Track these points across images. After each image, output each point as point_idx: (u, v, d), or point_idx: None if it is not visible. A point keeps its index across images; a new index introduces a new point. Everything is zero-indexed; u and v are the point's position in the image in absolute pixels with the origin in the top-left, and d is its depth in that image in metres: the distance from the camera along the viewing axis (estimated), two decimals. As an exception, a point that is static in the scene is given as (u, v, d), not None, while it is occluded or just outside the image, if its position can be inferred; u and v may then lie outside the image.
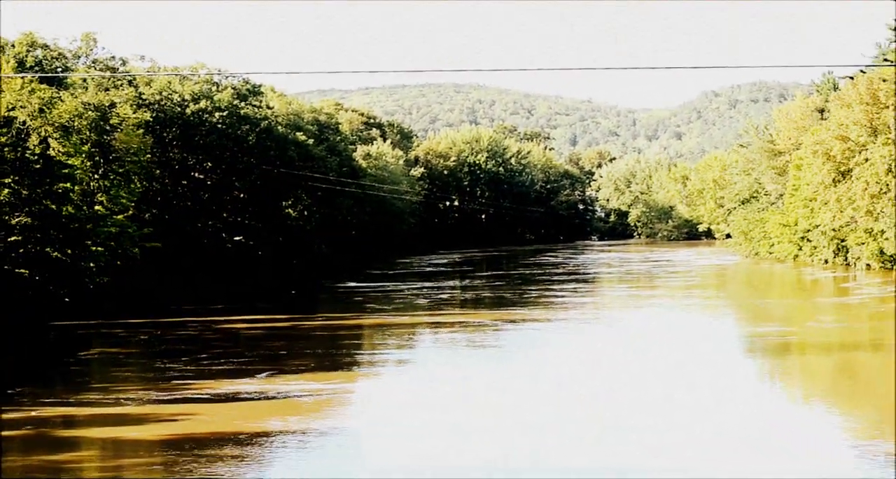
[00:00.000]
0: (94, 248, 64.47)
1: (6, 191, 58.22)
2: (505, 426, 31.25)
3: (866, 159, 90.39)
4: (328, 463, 27.39)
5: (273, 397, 35.79)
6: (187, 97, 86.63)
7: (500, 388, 38.28)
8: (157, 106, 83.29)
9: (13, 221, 58.22)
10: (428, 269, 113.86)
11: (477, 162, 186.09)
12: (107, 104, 70.31)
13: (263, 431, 30.52)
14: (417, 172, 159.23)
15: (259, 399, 35.54)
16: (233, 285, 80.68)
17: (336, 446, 29.19)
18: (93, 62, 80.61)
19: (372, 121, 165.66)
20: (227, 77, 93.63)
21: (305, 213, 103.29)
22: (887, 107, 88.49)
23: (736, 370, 42.68)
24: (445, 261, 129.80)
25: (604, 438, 29.73)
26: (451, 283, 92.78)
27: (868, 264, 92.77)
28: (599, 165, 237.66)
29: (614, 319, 62.95)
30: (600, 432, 30.45)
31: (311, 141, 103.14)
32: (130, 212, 70.39)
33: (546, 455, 27.99)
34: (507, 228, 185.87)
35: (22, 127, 61.01)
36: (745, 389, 38.15)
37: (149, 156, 72.58)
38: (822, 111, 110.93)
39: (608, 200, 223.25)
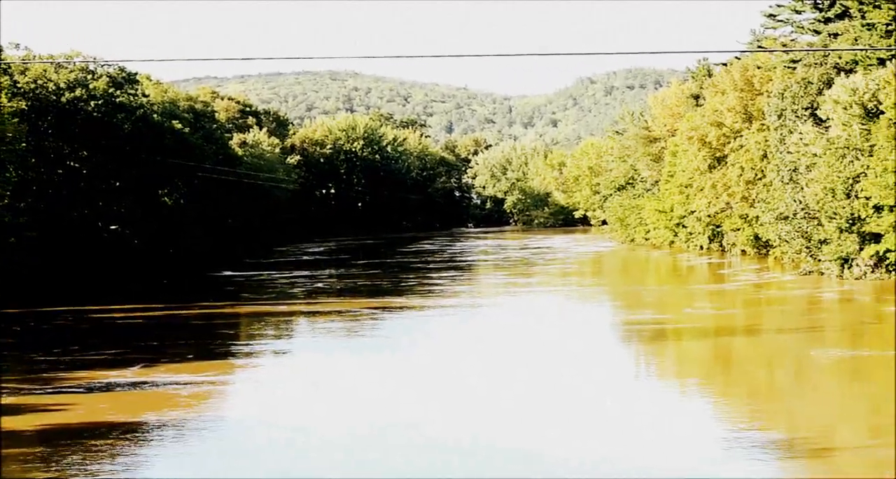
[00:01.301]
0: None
1: None
2: (383, 417, 31.24)
3: (741, 145, 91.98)
4: (206, 459, 27.08)
5: (149, 389, 35.27)
6: (62, 86, 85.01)
7: (378, 377, 38.29)
8: (31, 95, 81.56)
9: None
10: (305, 257, 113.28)
11: (353, 150, 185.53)
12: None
13: (139, 423, 30.06)
14: (294, 159, 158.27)
15: (134, 390, 35.01)
16: (109, 275, 79.35)
17: (215, 439, 28.85)
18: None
19: (248, 109, 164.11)
20: (102, 65, 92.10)
21: (182, 201, 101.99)
22: (762, 93, 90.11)
23: (612, 357, 43.22)
24: (322, 249, 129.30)
25: (481, 426, 29.80)
26: (327, 271, 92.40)
27: (743, 250, 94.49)
28: (475, 153, 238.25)
29: (492, 307, 63.28)
30: (476, 420, 30.58)
31: (187, 129, 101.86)
32: (6, 201, 68.84)
33: (421, 444, 28.09)
34: (384, 216, 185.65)
35: None
36: (620, 376, 38.60)
37: (24, 145, 70.99)
38: (697, 97, 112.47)
39: (484, 187, 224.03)
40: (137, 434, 28.89)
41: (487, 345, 45.95)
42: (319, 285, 79.48)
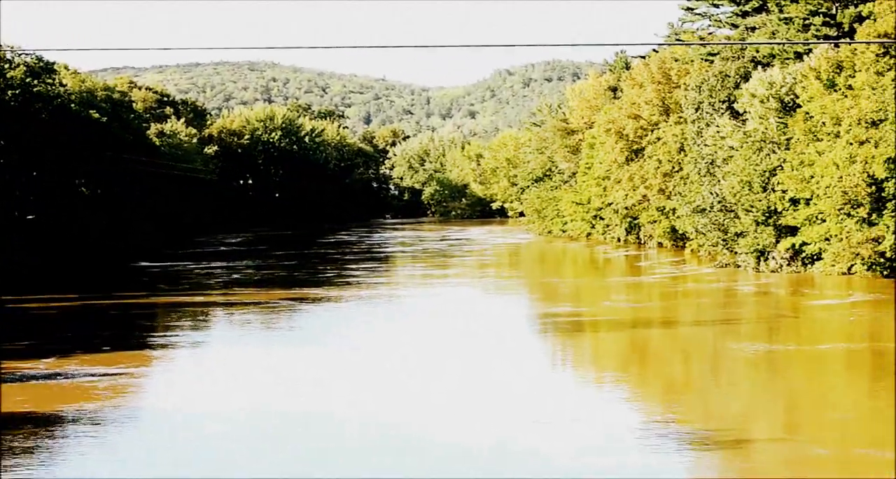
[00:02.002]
0: None
1: None
2: (301, 408, 31.03)
3: (658, 138, 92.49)
4: (123, 452, 26.59)
5: (63, 381, 34.53)
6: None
7: (295, 368, 38.05)
8: (-53, 85, 79.94)
9: None
10: (222, 248, 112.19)
11: (271, 140, 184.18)
12: None
13: (55, 416, 29.37)
14: (211, 150, 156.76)
15: (49, 382, 34.27)
16: (25, 265, 77.81)
17: (132, 432, 28.34)
18: None
19: (166, 99, 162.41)
20: (20, 54, 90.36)
21: (99, 191, 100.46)
22: (679, 86, 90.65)
23: (530, 350, 43.15)
24: (240, 240, 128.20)
25: (395, 417, 29.67)
26: (245, 262, 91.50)
27: (660, 243, 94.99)
28: (393, 144, 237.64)
29: (410, 299, 63.01)
30: (391, 411, 30.42)
31: (104, 119, 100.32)
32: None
33: (336, 436, 27.92)
34: (302, 207, 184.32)
35: None
36: (538, 368, 38.55)
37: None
38: (614, 90, 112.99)
39: (402, 178, 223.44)
40: (52, 428, 28.24)
41: (405, 337, 45.79)
42: (237, 276, 78.72)
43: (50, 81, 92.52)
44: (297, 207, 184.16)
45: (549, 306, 58.35)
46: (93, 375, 35.58)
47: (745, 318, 50.55)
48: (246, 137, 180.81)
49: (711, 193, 75.58)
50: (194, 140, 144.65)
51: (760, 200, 69.79)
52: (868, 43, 61.31)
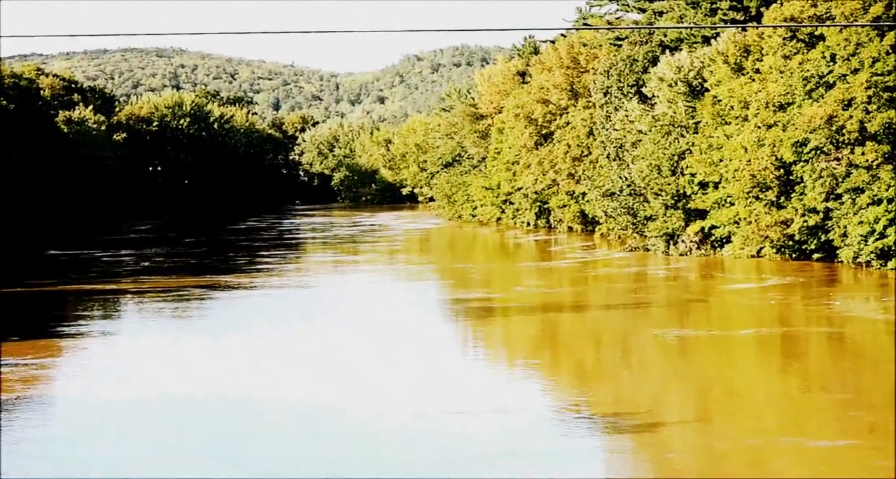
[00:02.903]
0: None
1: None
2: (214, 398, 30.24)
3: (567, 123, 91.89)
4: (34, 445, 25.22)
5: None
6: None
7: (207, 357, 37.07)
8: None
9: None
10: (132, 235, 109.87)
11: (180, 127, 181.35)
12: None
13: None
14: (120, 137, 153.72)
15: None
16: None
17: (42, 423, 26.86)
18: None
19: (73, 86, 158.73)
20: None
21: (6, 179, 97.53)
22: (588, 71, 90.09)
23: (441, 336, 42.31)
24: (149, 227, 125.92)
25: (306, 404, 28.97)
26: (155, 249, 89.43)
27: (570, 227, 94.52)
28: (303, 130, 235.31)
29: (320, 285, 61.92)
30: (302, 398, 29.68)
31: (12, 106, 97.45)
32: None
33: (249, 421, 27.20)
34: (211, 194, 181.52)
35: None
36: (449, 354, 37.80)
37: None
38: (523, 75, 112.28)
39: (311, 164, 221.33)
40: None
41: (316, 325, 44.80)
42: (147, 263, 76.90)
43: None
44: (206, 194, 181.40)
45: (461, 292, 57.28)
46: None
47: (658, 302, 49.93)
48: (154, 123, 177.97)
49: (621, 178, 75.06)
50: (103, 127, 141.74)
51: (669, 184, 69.38)
52: (775, 27, 60.89)
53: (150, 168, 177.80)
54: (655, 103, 73.41)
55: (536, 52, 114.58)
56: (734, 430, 25.50)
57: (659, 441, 24.89)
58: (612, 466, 23.37)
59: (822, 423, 25.89)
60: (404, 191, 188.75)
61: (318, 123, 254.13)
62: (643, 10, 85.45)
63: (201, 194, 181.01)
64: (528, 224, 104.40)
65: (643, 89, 75.79)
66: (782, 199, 61.12)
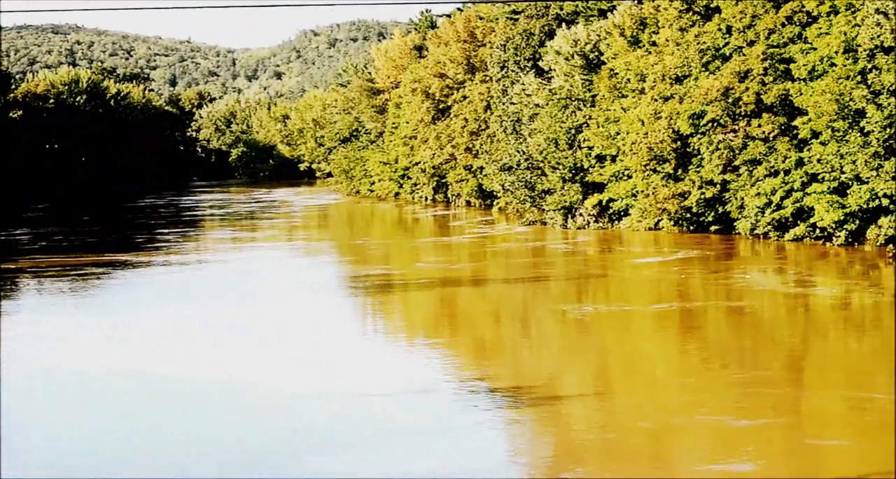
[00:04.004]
0: None
1: None
2: (110, 373, 29.42)
3: (464, 97, 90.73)
4: None
5: None
6: None
7: (109, 338, 35.90)
8: None
9: None
10: (29, 214, 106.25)
11: (77, 104, 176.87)
12: None
13: None
14: (16, 115, 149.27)
15: None
16: None
17: None
18: None
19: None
20: None
21: None
22: (484, 44, 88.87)
23: (341, 313, 41.12)
24: (47, 205, 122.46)
25: (207, 382, 28.13)
26: (51, 228, 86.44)
27: (468, 201, 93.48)
28: (200, 106, 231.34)
29: (219, 263, 60.42)
30: (201, 376, 28.83)
31: None
32: None
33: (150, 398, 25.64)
34: (109, 171, 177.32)
35: None
36: (350, 331, 36.97)
37: None
38: (420, 49, 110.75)
39: (209, 140, 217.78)
40: None
41: (215, 303, 43.23)
42: (44, 242, 74.12)
43: None
44: (104, 172, 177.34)
45: (362, 268, 55.82)
46: None
47: (559, 277, 49.05)
48: (51, 101, 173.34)
49: (518, 152, 74.03)
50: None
51: (567, 158, 68.50)
52: (671, -1, 60.19)
53: (47, 146, 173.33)
54: (552, 77, 72.44)
55: (433, 26, 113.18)
56: (634, 405, 25.03)
57: (559, 416, 24.54)
58: (513, 441, 22.92)
59: (724, 399, 25.09)
60: (302, 167, 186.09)
61: (215, 99, 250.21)
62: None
63: (99, 172, 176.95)
64: (427, 199, 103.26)
65: (540, 63, 74.78)
66: (679, 171, 60.48)
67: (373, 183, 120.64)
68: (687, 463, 20.75)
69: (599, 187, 67.44)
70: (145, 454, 22.36)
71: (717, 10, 59.12)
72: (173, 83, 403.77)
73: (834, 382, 26.68)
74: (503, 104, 79.20)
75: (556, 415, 24.58)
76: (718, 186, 57.84)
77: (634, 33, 65.16)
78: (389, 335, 36.93)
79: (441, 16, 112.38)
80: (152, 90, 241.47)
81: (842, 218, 49.65)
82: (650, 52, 63.30)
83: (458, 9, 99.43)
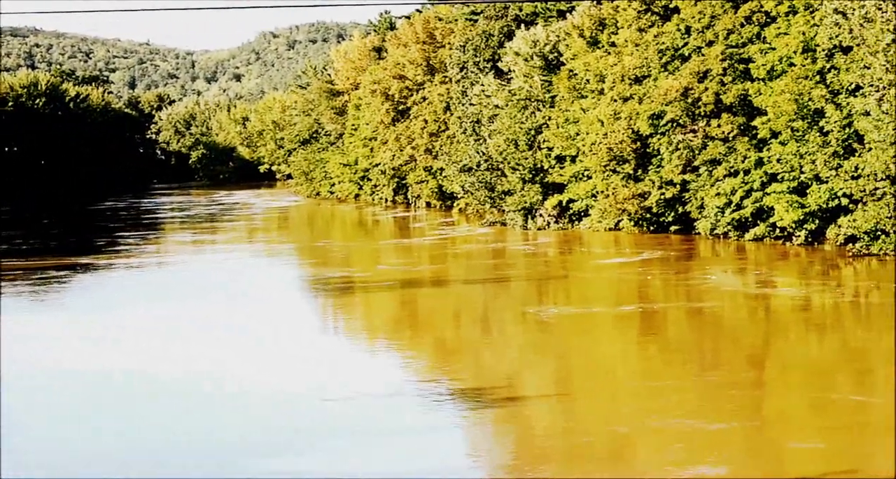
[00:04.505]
0: None
1: None
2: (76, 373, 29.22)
3: (424, 98, 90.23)
4: None
5: None
6: None
7: (67, 340, 35.15)
8: None
9: None
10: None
11: (36, 107, 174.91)
12: None
13: None
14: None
15: None
16: None
17: None
18: None
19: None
20: None
21: None
22: (444, 46, 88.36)
23: (303, 315, 40.85)
24: (7, 209, 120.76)
25: (169, 384, 27.89)
26: (12, 232, 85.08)
27: (428, 203, 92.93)
28: (159, 108, 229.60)
29: (179, 265, 59.79)
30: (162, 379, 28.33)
31: None
32: None
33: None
34: (69, 174, 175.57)
35: None
36: (312, 333, 36.79)
37: None
38: (379, 51, 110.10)
39: (168, 142, 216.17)
40: None
41: (176, 305, 42.56)
42: (4, 246, 72.86)
43: None
44: (64, 175, 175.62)
45: (323, 271, 55.25)
46: None
47: (521, 279, 48.58)
48: (10, 104, 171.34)
49: (478, 152, 73.60)
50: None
51: (527, 159, 68.13)
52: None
53: (6, 148, 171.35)
54: (512, 78, 72.03)
55: (392, 27, 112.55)
56: (597, 407, 24.95)
57: (521, 418, 24.40)
58: (476, 443, 22.82)
59: (686, 402, 24.66)
60: (262, 168, 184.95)
61: (174, 101, 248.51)
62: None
63: (58, 175, 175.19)
64: (387, 200, 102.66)
65: (499, 64, 74.34)
66: (639, 172, 60.23)
67: (333, 185, 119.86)
68: (649, 466, 20.41)
69: (559, 188, 67.08)
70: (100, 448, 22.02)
71: (676, 10, 58.87)
72: (133, 85, 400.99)
73: (795, 383, 26.45)
74: (463, 105, 78.74)
75: (518, 417, 24.36)
76: (678, 186, 57.58)
77: (593, 34, 64.87)
78: (352, 338, 36.49)
79: (400, 17, 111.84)
80: (111, 93, 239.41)
81: (801, 218, 49.50)
82: (609, 53, 63.00)
83: (418, 10, 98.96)
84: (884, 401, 23.89)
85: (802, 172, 49.78)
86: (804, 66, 49.81)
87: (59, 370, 30.32)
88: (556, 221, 66.78)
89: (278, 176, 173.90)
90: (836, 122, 47.23)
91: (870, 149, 44.58)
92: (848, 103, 46.79)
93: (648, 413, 23.63)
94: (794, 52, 50.42)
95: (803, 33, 49.99)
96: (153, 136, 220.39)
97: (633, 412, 24.02)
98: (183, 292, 47.20)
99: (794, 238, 50.85)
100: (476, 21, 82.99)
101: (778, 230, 51.71)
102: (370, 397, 25.86)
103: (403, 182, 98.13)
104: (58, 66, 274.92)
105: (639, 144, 59.84)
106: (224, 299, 44.06)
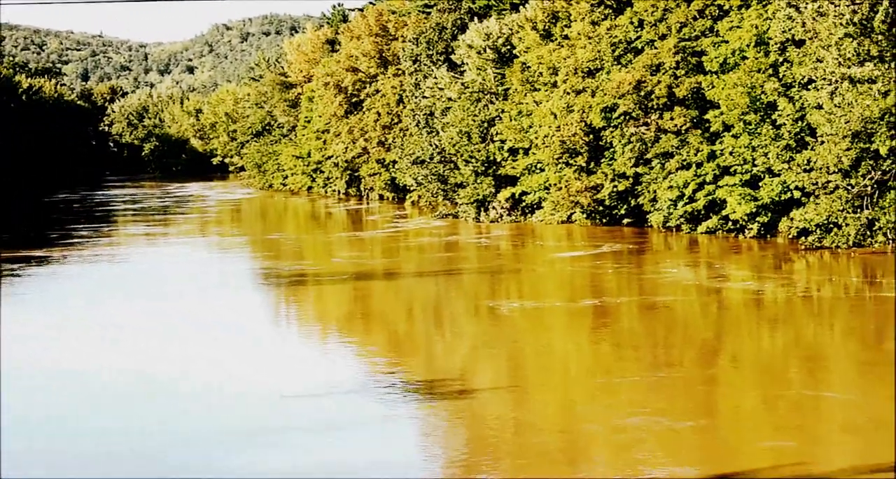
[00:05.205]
0: None
1: None
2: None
3: (377, 90, 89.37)
4: None
5: None
6: None
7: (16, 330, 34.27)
8: None
9: None
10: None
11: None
12: None
13: None
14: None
15: None
16: None
17: None
18: None
19: None
20: None
21: None
22: (397, 38, 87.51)
23: (255, 308, 39.91)
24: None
25: (123, 378, 27.26)
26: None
27: (381, 195, 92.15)
28: (112, 100, 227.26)
29: (132, 258, 58.75)
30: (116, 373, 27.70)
31: None
32: None
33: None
34: (21, 166, 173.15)
35: None
36: (265, 328, 35.99)
37: None
38: (332, 43, 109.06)
39: (121, 135, 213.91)
40: None
41: (127, 300, 41.42)
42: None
43: None
44: (16, 167, 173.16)
45: (277, 264, 54.28)
46: None
47: (476, 272, 47.83)
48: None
49: (430, 145, 72.91)
50: None
51: (479, 151, 67.53)
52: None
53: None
54: (465, 71, 71.37)
55: (345, 20, 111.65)
56: (549, 403, 24.50)
57: (470, 403, 24.40)
58: (427, 435, 22.43)
59: (638, 398, 24.11)
60: (215, 161, 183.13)
61: (127, 93, 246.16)
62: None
63: (10, 167, 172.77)
64: (339, 193, 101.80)
65: (452, 57, 73.65)
66: (592, 164, 59.71)
67: (285, 177, 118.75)
68: (601, 464, 19.93)
69: (512, 180, 66.47)
70: None
71: (629, 3, 58.39)
72: (85, 78, 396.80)
73: (749, 379, 26.03)
74: (416, 98, 77.98)
75: (470, 411, 23.86)
76: (631, 179, 57.12)
77: (546, 27, 64.26)
78: (306, 332, 35.77)
79: (353, 10, 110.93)
80: (64, 85, 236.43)
81: (754, 211, 49.18)
82: (562, 46, 62.42)
83: (371, 2, 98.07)
84: (838, 396, 23.63)
85: (755, 165, 49.43)
86: (757, 59, 49.41)
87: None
88: (509, 214, 66.19)
89: (231, 168, 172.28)
90: (788, 115, 46.87)
91: (822, 142, 44.21)
92: (800, 97, 46.44)
93: (601, 410, 23.16)
94: (747, 46, 50.03)
95: (756, 27, 49.59)
96: (106, 128, 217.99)
97: (585, 409, 23.58)
98: (135, 287, 46.03)
99: (746, 231, 50.49)
100: (429, 14, 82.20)
101: (730, 223, 51.34)
102: (326, 392, 25.29)
103: (356, 175, 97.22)
104: (10, 59, 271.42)
105: (591, 136, 59.32)
106: (176, 294, 43.08)
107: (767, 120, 48.49)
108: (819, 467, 18.85)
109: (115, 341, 32.96)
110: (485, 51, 68.94)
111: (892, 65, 40.54)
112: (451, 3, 78.22)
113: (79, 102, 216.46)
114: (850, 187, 43.95)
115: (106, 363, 29.48)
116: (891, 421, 20.75)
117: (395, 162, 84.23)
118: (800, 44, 46.53)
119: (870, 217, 43.65)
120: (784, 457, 19.41)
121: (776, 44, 47.81)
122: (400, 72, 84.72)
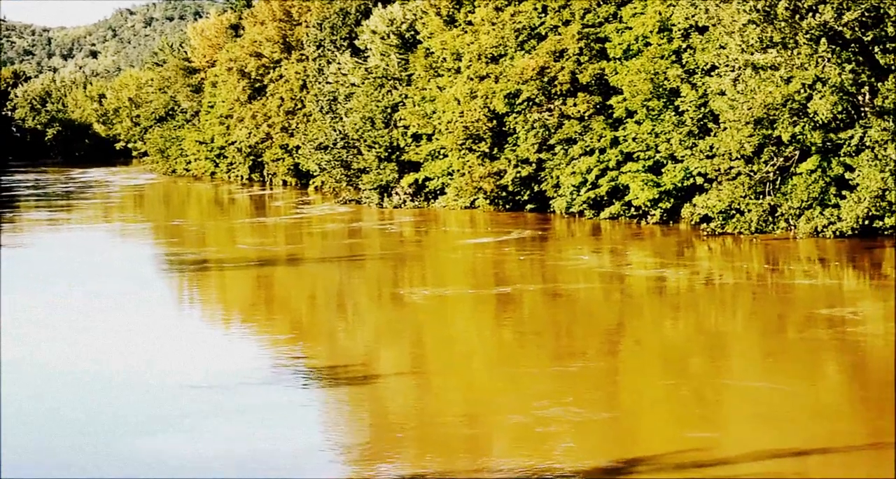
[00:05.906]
0: None
1: None
2: None
3: (281, 76, 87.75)
4: None
5: None
6: None
7: None
8: None
9: None
10: None
11: None
12: None
13: None
14: None
15: None
16: None
17: None
18: None
19: None
20: None
21: None
22: (301, 24, 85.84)
23: (156, 295, 38.61)
24: None
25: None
26: None
27: (284, 181, 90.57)
28: (15, 85, 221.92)
29: (31, 245, 56.93)
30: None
31: None
32: None
33: None
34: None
35: None
36: (166, 313, 34.84)
37: None
38: (236, 28, 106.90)
39: (24, 120, 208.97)
40: None
41: (27, 288, 39.53)
42: None
43: None
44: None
45: (179, 250, 52.74)
46: None
47: (380, 258, 46.71)
48: None
49: (334, 130, 71.52)
50: None
51: (383, 137, 66.37)
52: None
53: None
54: (368, 56, 70.08)
55: (249, 4, 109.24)
56: (451, 390, 23.84)
57: (373, 388, 24.04)
58: (327, 417, 22.12)
59: (541, 387, 23.13)
60: (118, 146, 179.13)
61: (30, 78, 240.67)
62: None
63: None
64: (243, 178, 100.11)
65: (356, 42, 72.36)
66: (495, 150, 58.75)
67: (189, 162, 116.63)
68: (501, 454, 19.10)
69: (415, 166, 65.37)
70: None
71: (533, -11, 57.37)
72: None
73: (651, 368, 25.15)
74: (319, 83, 76.56)
75: (373, 399, 23.24)
76: (534, 164, 56.24)
77: (450, 12, 63.14)
78: (209, 319, 34.63)
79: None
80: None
81: (656, 196, 48.56)
82: (466, 32, 61.35)
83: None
84: (739, 384, 23.03)
85: (658, 152, 48.82)
86: (660, 45, 48.75)
87: None
88: (412, 200, 65.07)
89: (134, 154, 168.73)
90: (691, 101, 46.30)
91: (725, 128, 43.62)
92: (703, 83, 45.82)
93: (505, 399, 22.31)
94: (651, 32, 49.32)
95: (659, 13, 48.89)
96: (8, 113, 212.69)
97: (490, 397, 22.84)
98: (36, 274, 44.28)
99: (649, 217, 49.87)
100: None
101: (633, 209, 50.67)
102: (228, 379, 24.33)
103: (260, 160, 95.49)
104: None
105: (495, 122, 58.35)
106: (77, 281, 41.56)
107: (670, 106, 47.88)
108: (722, 452, 18.18)
109: (10, 330, 31.19)
110: (388, 36, 67.66)
111: (795, 52, 39.95)
112: (355, -12, 76.79)
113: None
114: (752, 174, 43.46)
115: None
116: (791, 407, 20.58)
117: (298, 147, 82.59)
118: (703, 30, 45.89)
119: (772, 203, 43.19)
120: (686, 444, 18.66)
121: (679, 30, 47.19)
122: (304, 57, 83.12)
